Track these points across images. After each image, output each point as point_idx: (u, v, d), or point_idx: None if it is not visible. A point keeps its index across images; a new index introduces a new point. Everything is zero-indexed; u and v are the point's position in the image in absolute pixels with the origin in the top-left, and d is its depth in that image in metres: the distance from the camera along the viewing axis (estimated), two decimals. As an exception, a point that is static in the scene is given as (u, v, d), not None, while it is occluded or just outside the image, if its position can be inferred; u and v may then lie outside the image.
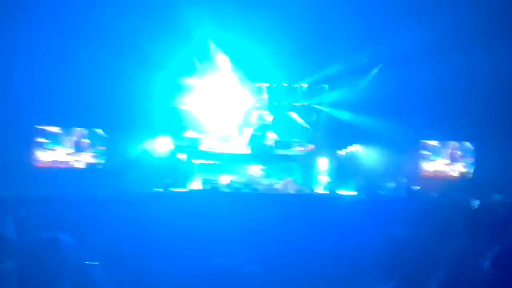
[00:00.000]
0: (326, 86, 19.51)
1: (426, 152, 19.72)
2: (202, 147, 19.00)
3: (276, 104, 19.66)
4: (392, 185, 16.61)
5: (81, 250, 2.51)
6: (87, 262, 2.53)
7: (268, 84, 19.25)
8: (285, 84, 19.33)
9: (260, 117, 19.73)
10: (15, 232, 4.18)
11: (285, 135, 19.98)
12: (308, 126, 19.91)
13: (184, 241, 3.28)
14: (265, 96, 19.35)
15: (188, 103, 18.90)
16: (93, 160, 16.91)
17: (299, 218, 4.61)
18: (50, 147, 16.65)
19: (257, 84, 19.17)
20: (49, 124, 16.62)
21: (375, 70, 18.57)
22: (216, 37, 16.62)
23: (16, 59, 15.44)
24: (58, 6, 14.46)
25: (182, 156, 18.57)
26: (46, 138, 16.63)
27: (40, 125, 16.58)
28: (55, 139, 16.75)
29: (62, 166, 16.57)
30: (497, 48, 15.21)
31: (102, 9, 14.50)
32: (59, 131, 16.80)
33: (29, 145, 16.25)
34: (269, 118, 19.78)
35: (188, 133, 18.82)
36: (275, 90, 19.40)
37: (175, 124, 18.83)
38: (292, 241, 3.27)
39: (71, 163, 16.77)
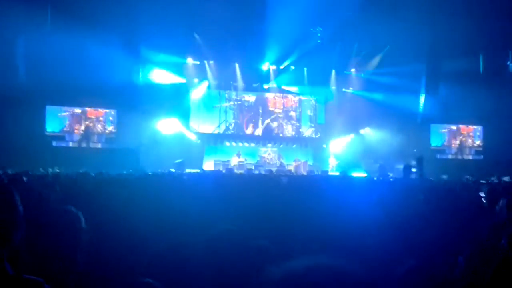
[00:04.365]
0: (333, 70, 19.64)
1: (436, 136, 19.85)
2: (216, 129, 19.29)
3: (285, 87, 19.76)
4: (401, 167, 16.73)
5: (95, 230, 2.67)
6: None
7: (275, 67, 19.38)
8: (293, 67, 19.34)
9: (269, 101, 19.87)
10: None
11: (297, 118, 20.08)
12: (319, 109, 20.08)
13: (199, 219, 3.46)
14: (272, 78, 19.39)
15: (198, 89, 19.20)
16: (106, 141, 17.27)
17: (310, 197, 4.77)
18: (63, 128, 16.98)
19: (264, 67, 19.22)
20: (62, 105, 16.93)
21: (385, 50, 18.58)
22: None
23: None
24: None
25: (194, 137, 18.77)
26: (59, 119, 16.98)
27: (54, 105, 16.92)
28: (69, 119, 17.10)
29: (76, 145, 16.89)
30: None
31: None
32: (72, 111, 17.10)
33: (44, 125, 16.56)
34: (280, 101, 19.88)
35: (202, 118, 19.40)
36: (282, 72, 19.45)
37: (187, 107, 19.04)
38: (303, 219, 3.46)
39: (85, 143, 17.09)
